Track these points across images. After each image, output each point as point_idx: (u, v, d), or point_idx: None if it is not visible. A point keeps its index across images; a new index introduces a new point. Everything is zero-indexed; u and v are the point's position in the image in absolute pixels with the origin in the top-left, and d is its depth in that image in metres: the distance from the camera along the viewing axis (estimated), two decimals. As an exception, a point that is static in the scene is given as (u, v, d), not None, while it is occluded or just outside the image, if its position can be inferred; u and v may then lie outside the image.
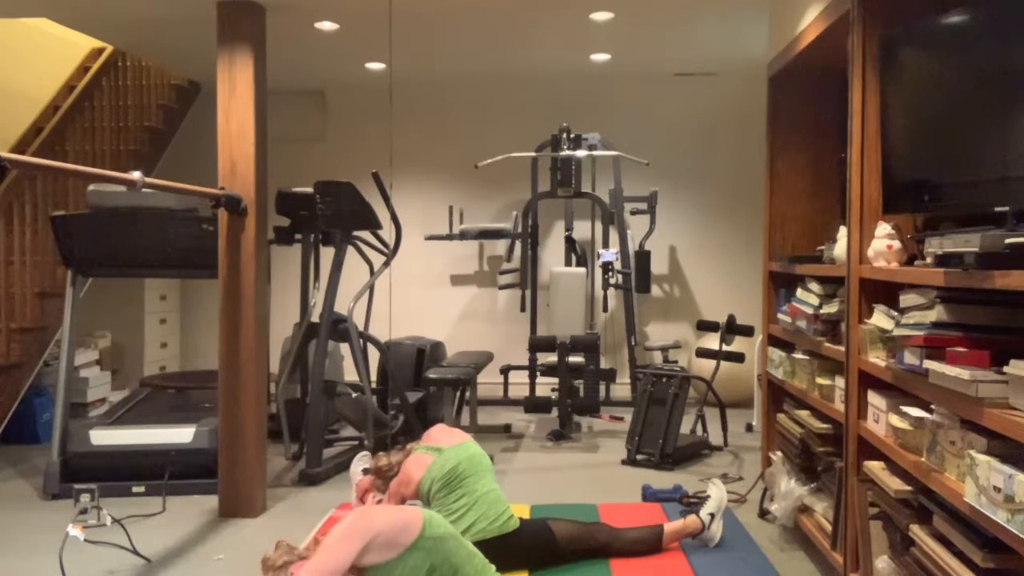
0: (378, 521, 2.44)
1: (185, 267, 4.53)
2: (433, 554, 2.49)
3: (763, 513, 3.87)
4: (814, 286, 3.24)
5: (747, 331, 5.49)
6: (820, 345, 3.10)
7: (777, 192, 3.87)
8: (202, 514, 4.02)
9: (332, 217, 4.69)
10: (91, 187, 4.43)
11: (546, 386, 6.55)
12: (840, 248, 3.00)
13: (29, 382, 5.25)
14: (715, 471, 4.67)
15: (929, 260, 2.22)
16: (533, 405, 5.36)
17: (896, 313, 2.44)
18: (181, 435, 4.32)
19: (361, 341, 4.91)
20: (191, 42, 5.48)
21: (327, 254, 5.06)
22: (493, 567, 2.72)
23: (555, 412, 5.51)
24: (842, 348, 2.85)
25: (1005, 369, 1.82)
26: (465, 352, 5.99)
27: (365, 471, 3.79)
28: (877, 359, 2.57)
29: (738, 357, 5.47)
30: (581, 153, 6.04)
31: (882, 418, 2.53)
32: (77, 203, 5.72)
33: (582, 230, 6.86)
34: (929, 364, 2.10)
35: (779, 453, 3.69)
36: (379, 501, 3.48)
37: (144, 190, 3.39)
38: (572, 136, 6.02)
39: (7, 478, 4.66)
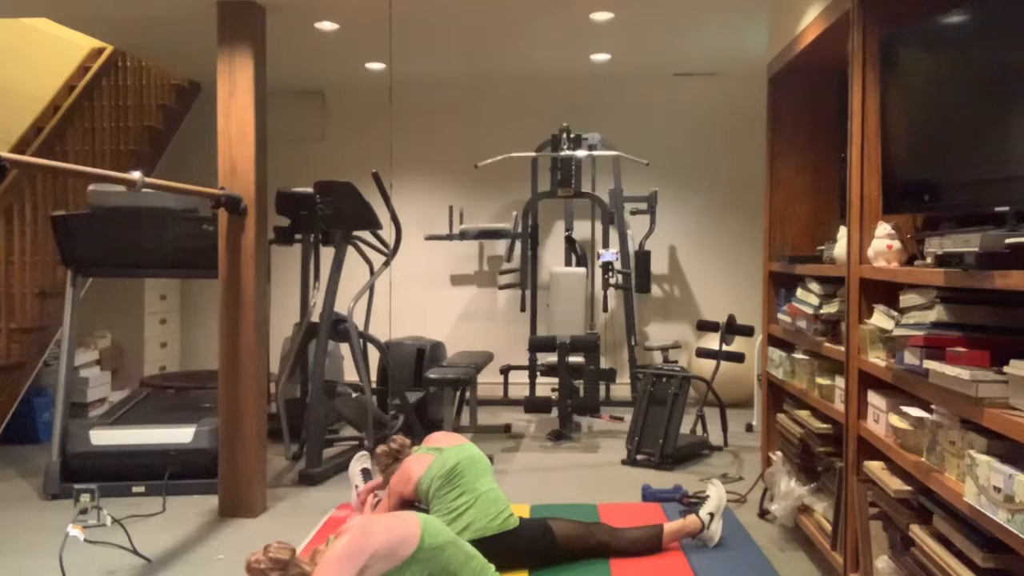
0: (375, 539, 2.41)
1: (185, 267, 4.53)
2: (431, 564, 2.50)
3: (763, 513, 3.87)
4: (814, 286, 3.24)
5: (747, 331, 5.49)
6: (820, 345, 3.10)
7: (777, 192, 3.87)
8: (202, 514, 4.02)
9: (332, 217, 4.69)
10: (91, 187, 4.43)
11: (546, 386, 6.54)
12: (840, 248, 3.00)
13: (29, 382, 5.25)
14: (715, 471, 4.67)
15: (929, 260, 2.22)
16: (533, 405, 5.36)
17: (896, 313, 2.44)
18: (181, 435, 4.32)
19: (361, 341, 4.91)
20: (191, 42, 5.48)
21: (327, 254, 5.06)
22: (492, 567, 2.72)
23: (555, 412, 5.51)
24: (842, 348, 2.85)
25: (1005, 369, 1.82)
26: (465, 352, 5.99)
27: (364, 471, 3.79)
28: (877, 359, 2.57)
29: (738, 357, 5.47)
30: (581, 153, 6.04)
31: (882, 418, 2.53)
32: (77, 203, 5.72)
33: (582, 230, 6.85)
34: (929, 364, 2.10)
35: (779, 453, 3.69)
36: (378, 501, 3.48)
37: (144, 190, 3.39)
38: (572, 136, 6.02)
39: (7, 478, 4.66)
